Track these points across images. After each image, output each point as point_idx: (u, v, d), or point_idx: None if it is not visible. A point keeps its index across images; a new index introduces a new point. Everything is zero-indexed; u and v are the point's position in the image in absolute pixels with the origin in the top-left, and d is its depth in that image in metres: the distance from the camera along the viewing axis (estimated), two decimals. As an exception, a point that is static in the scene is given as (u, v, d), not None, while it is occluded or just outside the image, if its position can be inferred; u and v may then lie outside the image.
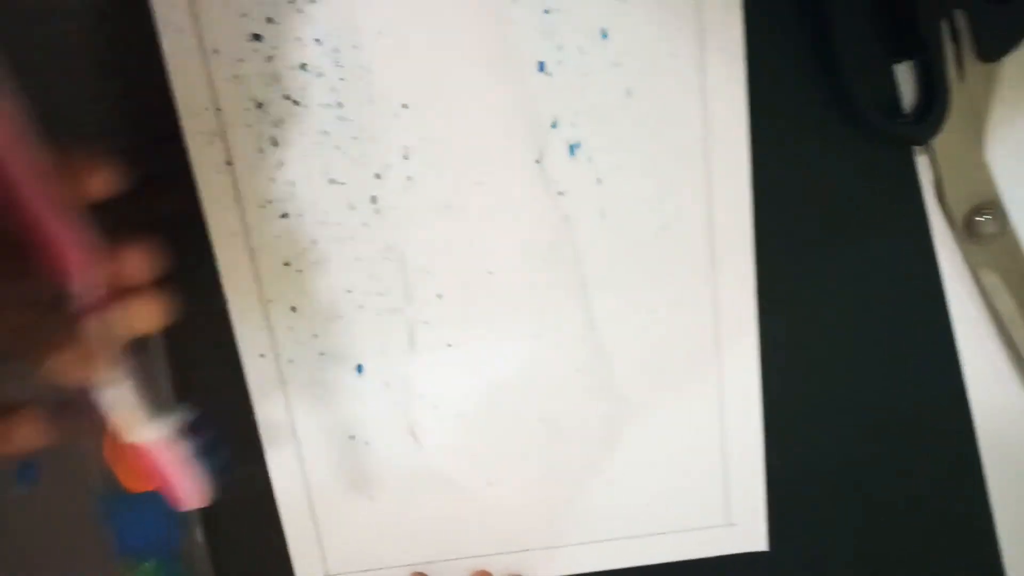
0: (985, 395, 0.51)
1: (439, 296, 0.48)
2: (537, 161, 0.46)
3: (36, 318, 0.28)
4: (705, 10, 0.44)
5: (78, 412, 0.32)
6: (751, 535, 0.54)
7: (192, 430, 0.35)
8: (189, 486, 0.36)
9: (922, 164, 0.48)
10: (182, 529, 0.50)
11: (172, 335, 0.47)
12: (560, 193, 0.46)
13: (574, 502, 0.52)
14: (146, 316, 0.31)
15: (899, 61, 0.47)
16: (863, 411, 0.52)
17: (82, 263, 0.29)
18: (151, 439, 0.34)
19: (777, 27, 0.46)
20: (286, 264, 0.47)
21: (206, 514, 0.50)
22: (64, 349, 0.29)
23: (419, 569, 0.53)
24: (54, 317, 0.29)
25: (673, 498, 0.52)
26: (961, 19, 0.45)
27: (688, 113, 0.46)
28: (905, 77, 0.47)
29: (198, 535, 0.50)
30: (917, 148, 0.48)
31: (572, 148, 0.46)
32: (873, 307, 0.50)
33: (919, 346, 0.51)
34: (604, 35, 0.44)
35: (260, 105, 0.44)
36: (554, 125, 0.46)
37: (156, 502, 0.49)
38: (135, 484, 0.49)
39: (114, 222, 0.43)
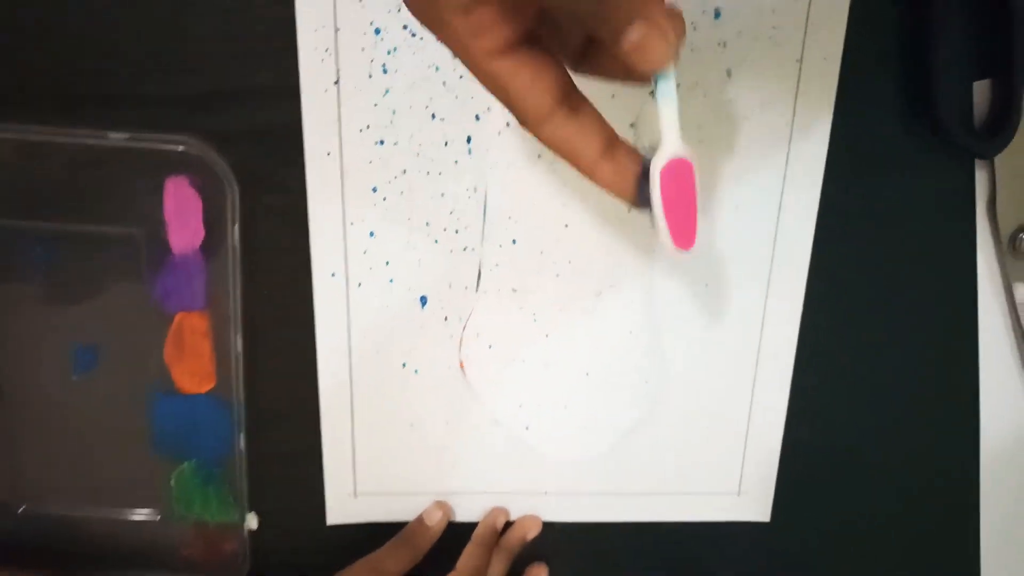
0: (995, 405, 0.59)
1: (513, 242, 0.53)
2: (632, 125, 0.51)
3: None
4: (815, 8, 0.50)
5: None
6: (757, 506, 0.61)
7: None
8: (690, 224, 0.35)
9: (979, 178, 0.56)
10: (225, 434, 0.55)
11: (248, 238, 0.52)
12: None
13: (601, 456, 0.59)
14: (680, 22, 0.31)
15: (979, 79, 0.54)
16: (878, 405, 0.59)
17: None
18: (680, 154, 0.33)
19: (875, 32, 0.52)
20: (373, 189, 0.52)
21: (249, 422, 0.55)
22: (646, 17, 0.29)
23: (442, 498, 0.59)
24: None
25: (693, 463, 0.59)
26: (1044, 48, 0.52)
27: (779, 102, 0.52)
28: (980, 93, 0.54)
29: (240, 442, 0.55)
30: (978, 162, 0.55)
31: (666, 117, 0.52)
32: (907, 307, 0.57)
33: (943, 350, 0.58)
34: (717, 15, 0.50)
35: (378, 31, 0.49)
36: (652, 93, 0.51)
37: (204, 405, 0.54)
38: (190, 384, 0.54)
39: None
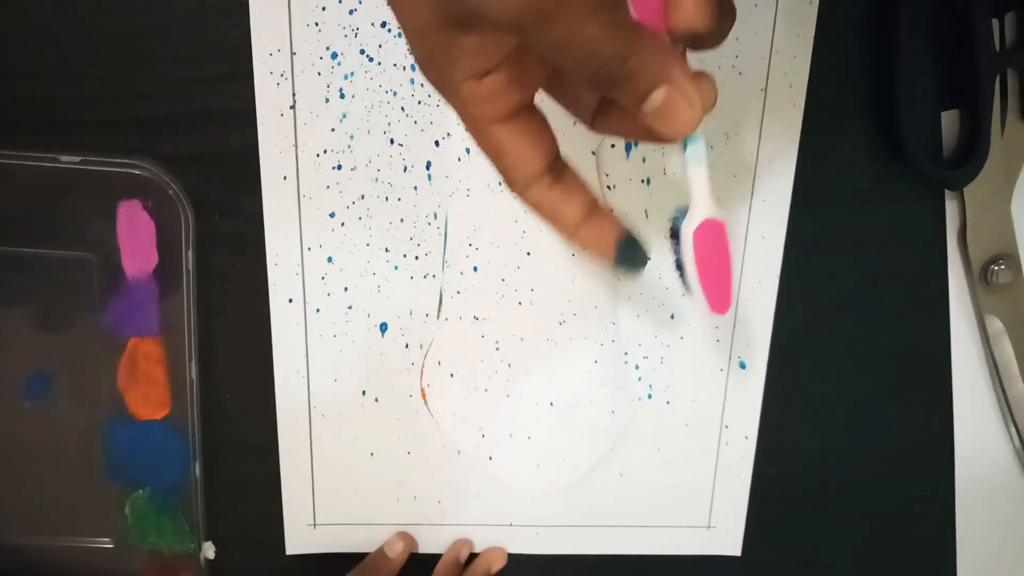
0: (969, 437, 0.59)
1: (475, 269, 0.53)
2: (593, 152, 0.51)
3: (637, 45, 0.28)
4: (779, 36, 0.50)
5: None
6: (728, 539, 0.60)
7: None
8: (725, 286, 0.35)
9: (950, 208, 0.55)
10: (181, 462, 0.54)
11: (203, 263, 0.52)
12: (609, 187, 0.52)
13: (567, 487, 0.58)
14: (711, 88, 0.31)
15: (947, 108, 0.53)
16: (850, 437, 0.59)
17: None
18: (713, 215, 0.33)
19: (840, 62, 0.51)
20: (331, 215, 0.51)
21: (206, 450, 0.55)
22: (671, 82, 0.29)
23: (404, 530, 0.59)
24: (657, 49, 0.29)
25: (662, 496, 0.59)
26: (1013, 78, 0.52)
27: (745, 130, 0.52)
28: (948, 124, 0.54)
29: (196, 469, 0.55)
30: (948, 192, 0.55)
31: (628, 146, 0.51)
32: (880, 337, 0.57)
33: (916, 380, 0.58)
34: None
35: (335, 55, 0.49)
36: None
37: (159, 432, 0.54)
38: (145, 411, 0.53)
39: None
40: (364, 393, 0.55)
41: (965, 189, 0.54)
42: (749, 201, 0.53)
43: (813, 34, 0.50)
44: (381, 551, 0.57)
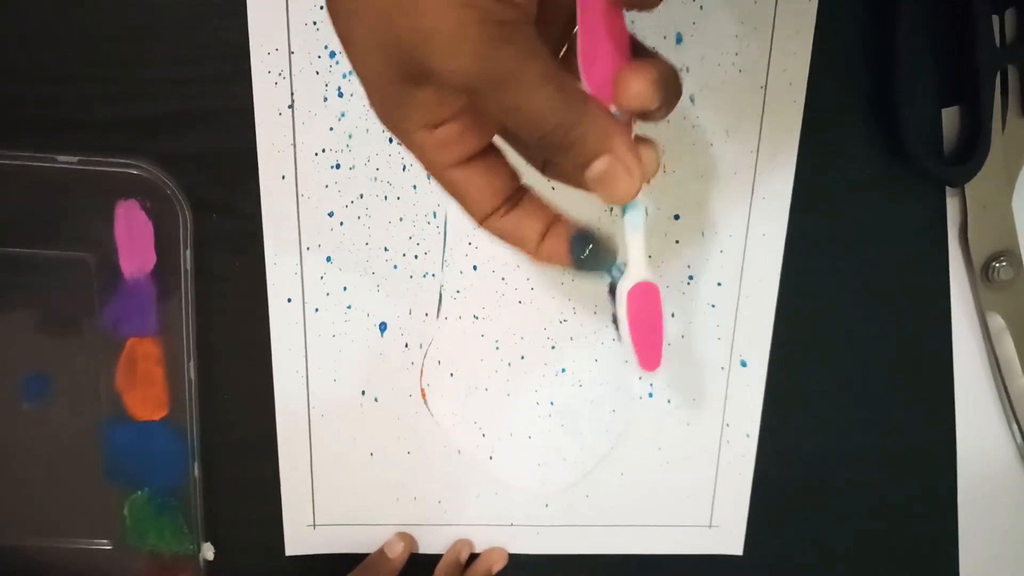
0: (971, 434, 0.59)
1: (475, 268, 0.53)
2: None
3: (583, 116, 0.30)
4: (778, 33, 0.50)
5: None
6: (730, 538, 0.60)
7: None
8: (656, 344, 0.36)
9: (951, 205, 0.55)
10: (180, 463, 0.54)
11: (201, 263, 0.52)
12: (609, 184, 0.52)
13: (568, 487, 0.58)
14: (653, 156, 0.32)
15: (947, 105, 0.54)
16: (851, 435, 0.59)
17: (626, 73, 0.30)
18: (647, 277, 0.35)
19: (840, 58, 0.51)
20: (330, 214, 0.51)
21: (204, 451, 0.55)
22: (612, 153, 0.30)
23: (404, 530, 0.59)
24: (602, 120, 0.30)
25: (663, 495, 0.59)
26: (1013, 75, 0.52)
27: (745, 128, 0.52)
28: (948, 121, 0.54)
29: (195, 470, 0.55)
30: (949, 190, 0.55)
31: (628, 142, 0.52)
32: (880, 337, 0.57)
33: (918, 377, 0.58)
34: (679, 39, 0.50)
35: (333, 54, 0.49)
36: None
37: (158, 433, 0.54)
38: (143, 411, 0.53)
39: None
40: (363, 393, 0.55)
41: (966, 186, 0.54)
42: (749, 199, 0.53)
43: (813, 31, 0.50)
44: (381, 552, 0.57)
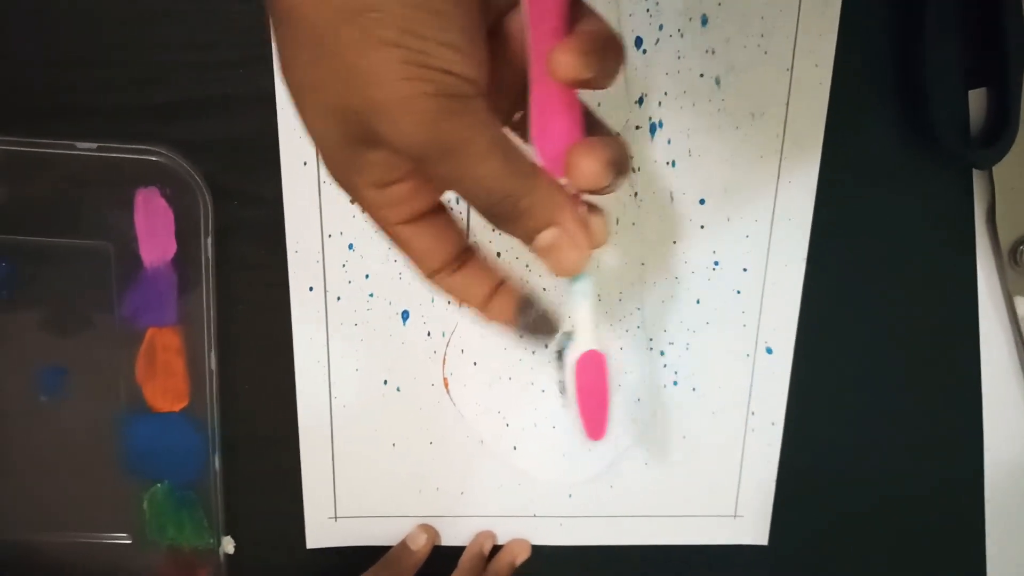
0: (999, 420, 0.58)
1: (498, 255, 0.53)
2: (618, 134, 0.51)
3: (531, 188, 0.30)
4: (804, 15, 0.50)
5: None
6: (755, 528, 0.60)
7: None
8: (603, 413, 0.37)
9: (978, 189, 0.55)
10: (200, 455, 0.54)
11: (222, 251, 0.51)
12: (634, 170, 0.52)
13: (592, 477, 0.58)
14: (602, 226, 0.33)
15: (974, 87, 0.53)
16: (877, 423, 0.58)
17: (578, 152, 0.30)
18: (594, 346, 0.35)
19: (866, 40, 0.51)
20: (352, 201, 0.51)
21: (225, 443, 0.54)
22: (559, 225, 0.31)
23: (426, 522, 0.58)
24: (551, 192, 0.31)
25: (687, 485, 0.58)
26: (1042, 55, 0.52)
27: (770, 111, 0.51)
28: (975, 103, 0.54)
29: (216, 462, 0.54)
30: (976, 172, 0.55)
31: (653, 127, 0.51)
32: (906, 322, 0.57)
33: (943, 365, 0.58)
34: (704, 22, 0.50)
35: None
36: (640, 102, 0.51)
37: (178, 425, 0.53)
38: (163, 403, 0.53)
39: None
40: (385, 383, 0.55)
41: (993, 169, 0.54)
42: (775, 183, 0.53)
43: (839, 13, 0.50)
44: (404, 544, 0.57)
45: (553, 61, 0.29)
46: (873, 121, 0.53)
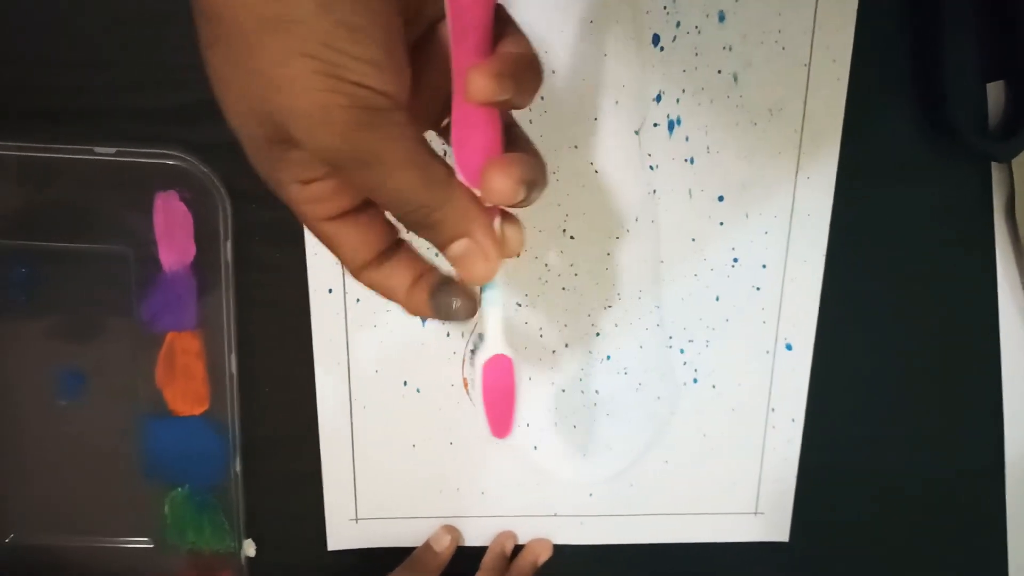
0: (1019, 416, 0.59)
1: (517, 254, 0.53)
2: (636, 132, 0.51)
3: (445, 200, 0.31)
4: (821, 10, 0.50)
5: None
6: (776, 525, 0.60)
7: None
8: (508, 414, 0.38)
9: (997, 181, 0.55)
10: (221, 458, 0.54)
11: (241, 254, 0.51)
12: (652, 167, 0.52)
13: (613, 476, 0.58)
14: (517, 236, 0.34)
15: (992, 80, 0.53)
16: (898, 419, 0.58)
17: (492, 168, 0.31)
18: (501, 351, 0.36)
19: (884, 35, 0.51)
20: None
21: (245, 445, 0.55)
22: (471, 237, 0.32)
23: (447, 522, 0.58)
24: (464, 204, 0.31)
25: (708, 482, 0.58)
26: (1060, 47, 0.52)
27: (788, 107, 0.51)
28: (993, 95, 0.53)
29: (236, 465, 0.54)
30: (995, 165, 0.55)
31: (671, 124, 0.51)
32: (926, 316, 0.56)
33: (963, 360, 0.57)
34: (722, 18, 0.50)
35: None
36: (658, 99, 0.51)
37: (198, 428, 0.53)
38: (183, 407, 0.53)
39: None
40: (405, 384, 0.55)
41: (1012, 161, 0.54)
42: (794, 179, 0.53)
43: (856, 7, 0.50)
44: (428, 545, 0.57)
45: (468, 82, 0.29)
46: (891, 115, 0.53)
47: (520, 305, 0.53)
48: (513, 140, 0.33)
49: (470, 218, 0.31)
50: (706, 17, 0.49)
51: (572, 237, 0.52)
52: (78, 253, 0.50)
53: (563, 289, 0.53)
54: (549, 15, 0.48)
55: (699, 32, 0.49)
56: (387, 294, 0.35)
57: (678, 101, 0.51)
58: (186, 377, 0.52)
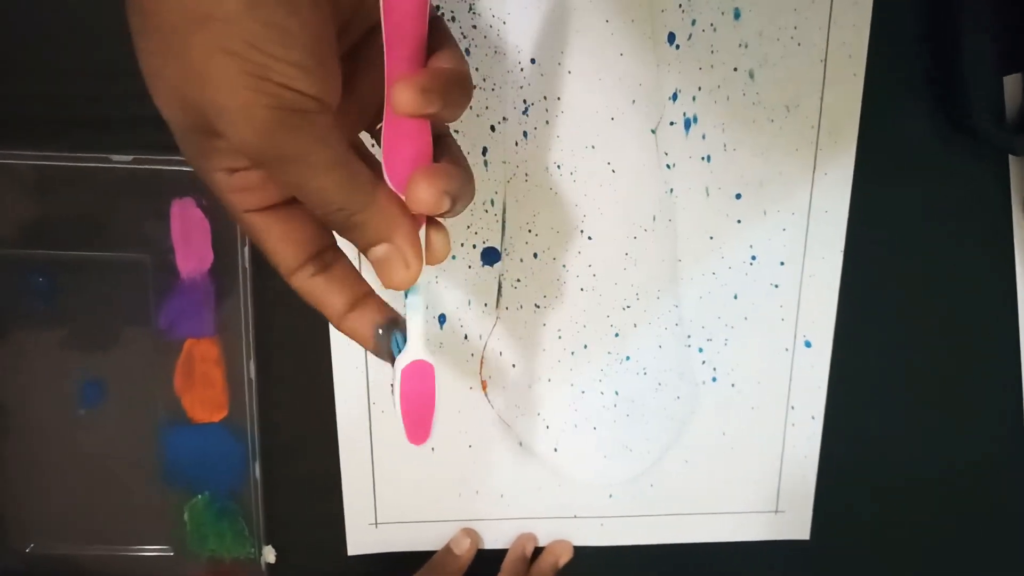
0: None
1: (535, 256, 0.53)
2: (652, 131, 0.51)
3: (368, 204, 0.31)
4: (837, 5, 0.50)
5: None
6: (796, 524, 0.60)
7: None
8: (426, 420, 0.38)
9: (1014, 175, 0.55)
10: (240, 465, 0.54)
11: (259, 261, 0.51)
12: (669, 166, 0.52)
13: (633, 477, 0.58)
14: (443, 244, 0.35)
15: (1008, 72, 0.53)
16: (917, 415, 0.58)
17: (417, 178, 0.31)
18: (422, 356, 0.37)
19: (899, 30, 0.51)
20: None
21: (265, 451, 0.55)
22: (392, 243, 0.32)
23: (467, 526, 0.58)
24: (386, 209, 0.32)
25: (728, 481, 0.58)
26: (1077, 39, 0.52)
27: (805, 103, 0.51)
28: (1010, 88, 0.53)
29: (256, 472, 0.54)
30: (1012, 158, 0.55)
31: (688, 123, 0.51)
32: (944, 311, 0.56)
33: (982, 355, 0.57)
34: (737, 15, 0.50)
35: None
36: (674, 98, 0.51)
37: (217, 435, 0.53)
38: (202, 414, 0.53)
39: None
40: (423, 387, 0.55)
41: (1030, 154, 0.54)
42: (811, 175, 0.53)
43: (872, 2, 0.50)
44: (448, 548, 0.57)
45: (393, 95, 0.30)
46: (907, 110, 0.53)
47: (538, 307, 0.53)
48: (443, 150, 0.34)
49: (393, 224, 0.32)
50: (721, 15, 0.49)
51: (590, 237, 0.52)
52: (96, 261, 0.50)
53: (581, 290, 0.53)
54: (565, 15, 0.48)
55: (715, 30, 0.49)
56: (318, 307, 0.35)
57: (694, 99, 0.51)
58: (205, 384, 0.52)
